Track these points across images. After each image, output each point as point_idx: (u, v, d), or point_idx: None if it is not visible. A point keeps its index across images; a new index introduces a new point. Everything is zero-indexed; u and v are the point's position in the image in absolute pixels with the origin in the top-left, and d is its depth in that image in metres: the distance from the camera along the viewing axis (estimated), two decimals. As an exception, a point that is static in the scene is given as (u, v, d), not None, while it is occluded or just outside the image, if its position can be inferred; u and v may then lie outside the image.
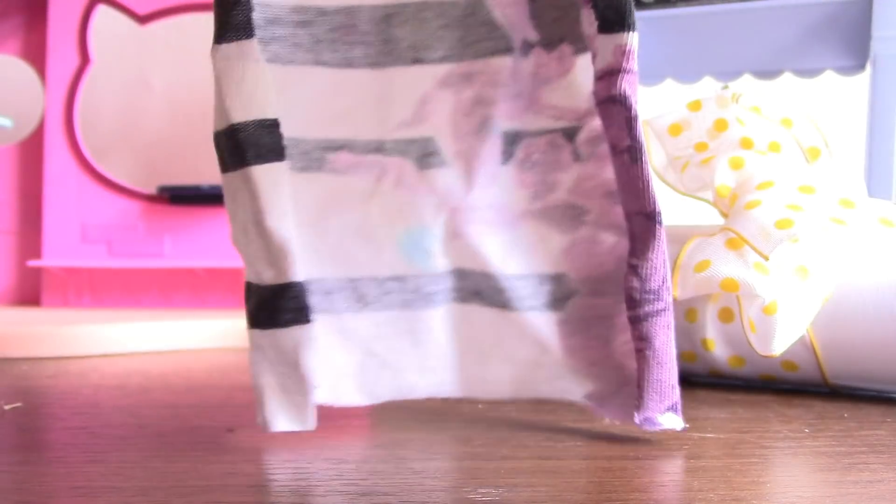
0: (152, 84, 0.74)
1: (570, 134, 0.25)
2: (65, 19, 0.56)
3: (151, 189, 0.57)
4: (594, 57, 0.24)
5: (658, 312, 0.23)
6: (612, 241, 0.24)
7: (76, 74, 0.56)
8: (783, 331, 0.27)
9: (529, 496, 0.19)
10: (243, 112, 0.24)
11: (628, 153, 0.23)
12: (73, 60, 0.56)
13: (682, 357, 0.33)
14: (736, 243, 0.28)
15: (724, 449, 0.23)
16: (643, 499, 0.19)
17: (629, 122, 0.23)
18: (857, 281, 0.29)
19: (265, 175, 0.24)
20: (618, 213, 0.24)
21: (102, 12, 0.57)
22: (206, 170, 0.73)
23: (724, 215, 0.32)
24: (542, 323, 0.25)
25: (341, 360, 0.25)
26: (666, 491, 0.19)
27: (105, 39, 0.72)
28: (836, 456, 0.22)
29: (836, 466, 0.21)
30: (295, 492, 0.19)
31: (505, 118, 0.25)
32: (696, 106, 0.34)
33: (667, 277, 0.23)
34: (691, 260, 0.29)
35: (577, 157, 0.25)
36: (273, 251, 0.24)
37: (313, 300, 0.24)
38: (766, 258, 0.27)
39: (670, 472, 0.21)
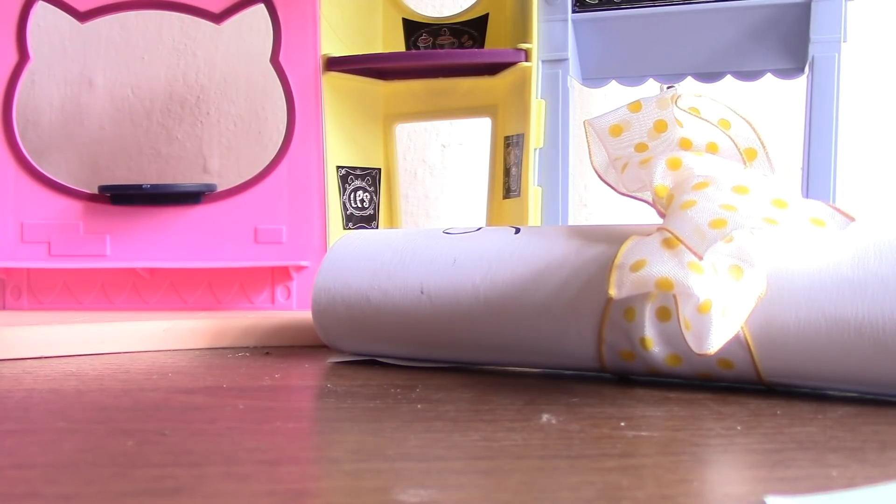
0: (94, 82, 0.73)
1: None
2: (2, 15, 0.55)
3: (93, 189, 0.56)
4: None
5: None
6: None
7: (14, 72, 0.55)
8: (717, 329, 0.28)
9: (458, 496, 0.19)
10: None
11: None
12: (11, 57, 0.55)
13: (620, 356, 0.33)
14: (672, 243, 0.29)
15: (656, 447, 0.23)
16: (571, 497, 0.19)
17: None
18: (790, 280, 0.30)
19: None
20: None
21: (42, 8, 0.56)
22: (149, 169, 0.72)
23: (662, 215, 0.32)
24: None
25: None
26: (594, 489, 0.19)
27: (45, 36, 0.71)
28: (766, 453, 0.23)
29: (764, 463, 0.22)
30: (221, 494, 0.19)
31: None
32: (636, 107, 0.34)
33: None
34: (628, 259, 0.29)
35: None
36: None
37: None
38: (701, 257, 0.28)
39: (601, 470, 0.21)
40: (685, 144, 0.32)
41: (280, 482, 0.20)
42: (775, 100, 0.67)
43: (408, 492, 0.19)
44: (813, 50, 0.50)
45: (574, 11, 0.54)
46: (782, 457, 0.22)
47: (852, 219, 0.28)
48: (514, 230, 0.37)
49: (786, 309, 0.30)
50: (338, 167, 0.57)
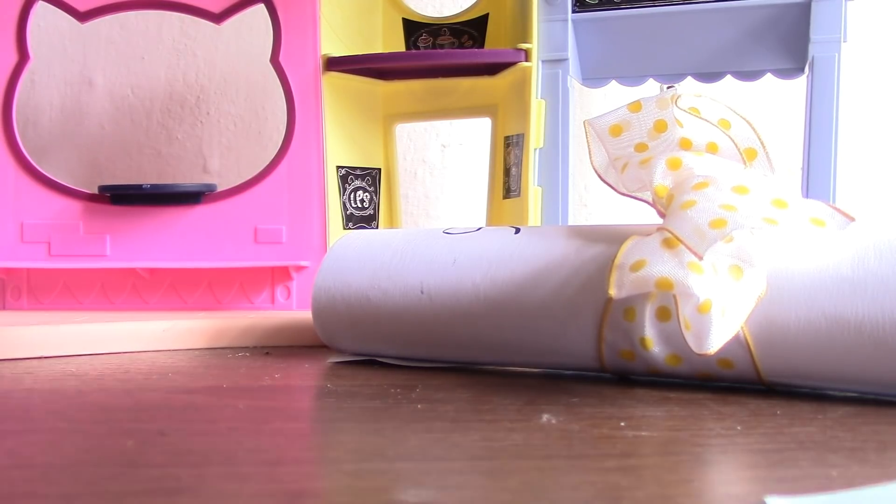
0: (94, 82, 0.73)
1: None
2: (2, 15, 0.55)
3: (93, 189, 0.56)
4: None
5: None
6: None
7: (14, 72, 0.55)
8: (717, 329, 0.28)
9: (458, 496, 0.19)
10: None
11: None
12: (11, 57, 0.55)
13: (620, 356, 0.33)
14: (671, 243, 0.29)
15: (656, 447, 0.23)
16: (571, 497, 0.19)
17: None
18: (790, 280, 0.30)
19: None
20: None
21: (42, 8, 0.56)
22: (149, 169, 0.72)
23: (662, 215, 0.32)
24: None
25: None
26: (594, 489, 0.19)
27: (45, 36, 0.71)
28: (766, 453, 0.23)
29: (764, 463, 0.22)
30: (222, 495, 0.19)
31: None
32: (636, 107, 0.34)
33: None
34: (628, 259, 0.29)
35: None
36: None
37: None
38: (701, 257, 0.28)
39: (601, 470, 0.21)
40: (685, 144, 0.32)
41: (280, 482, 0.20)
42: (775, 100, 0.67)
43: (408, 492, 0.19)
44: (813, 50, 0.50)
45: (574, 11, 0.54)
46: (782, 457, 0.22)
47: (852, 219, 0.28)
48: (514, 230, 0.37)
49: (786, 309, 0.30)
50: (338, 167, 0.57)
